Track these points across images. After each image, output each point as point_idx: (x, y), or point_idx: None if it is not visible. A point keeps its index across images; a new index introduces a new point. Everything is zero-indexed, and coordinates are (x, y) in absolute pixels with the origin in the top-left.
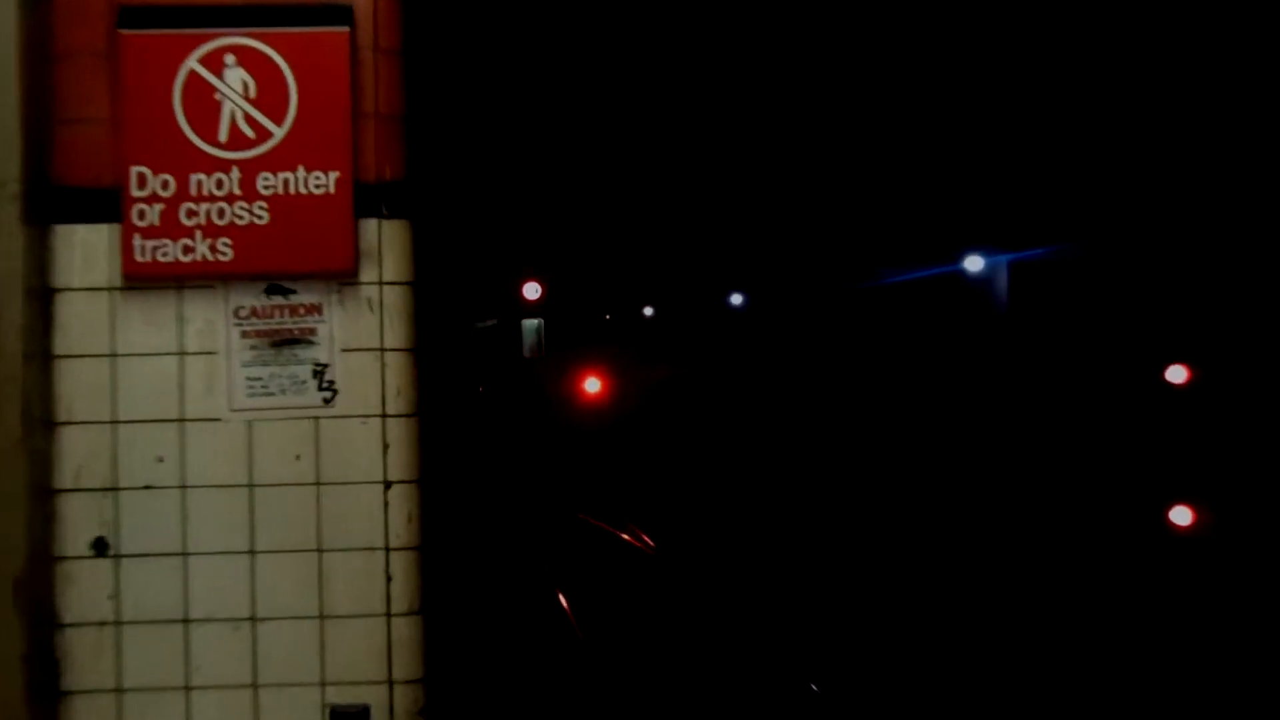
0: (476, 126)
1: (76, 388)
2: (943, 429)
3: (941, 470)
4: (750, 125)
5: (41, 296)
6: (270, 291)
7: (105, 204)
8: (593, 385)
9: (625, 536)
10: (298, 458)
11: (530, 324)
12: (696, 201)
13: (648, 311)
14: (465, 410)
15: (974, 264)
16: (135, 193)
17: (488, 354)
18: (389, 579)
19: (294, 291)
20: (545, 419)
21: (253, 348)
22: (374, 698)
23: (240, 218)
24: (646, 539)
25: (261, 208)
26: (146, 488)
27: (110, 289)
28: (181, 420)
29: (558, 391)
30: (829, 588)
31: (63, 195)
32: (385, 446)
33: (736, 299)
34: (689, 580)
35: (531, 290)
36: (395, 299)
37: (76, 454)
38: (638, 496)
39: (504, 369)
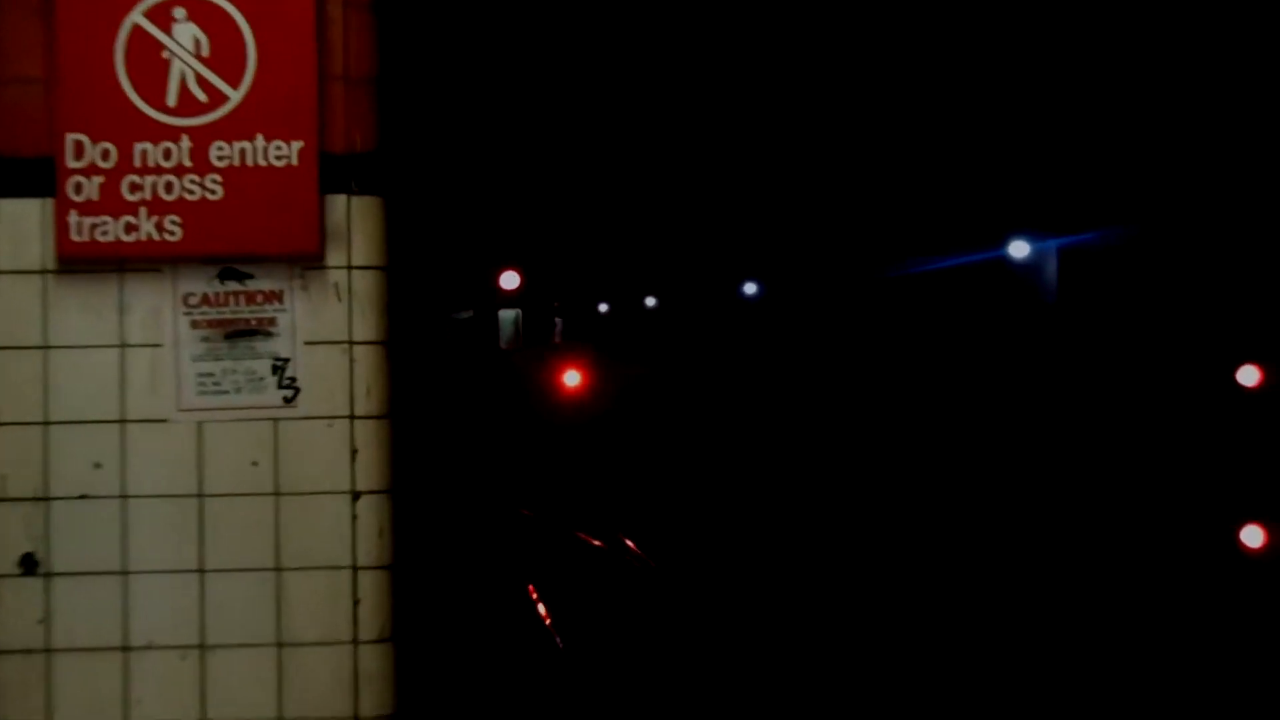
0: (457, 95)
1: (3, 384)
2: (982, 434)
3: (981, 479)
4: (757, 93)
5: None
6: (224, 276)
7: (37, 175)
8: (573, 379)
9: (621, 548)
10: (254, 464)
11: (508, 315)
12: (697, 181)
13: (648, 302)
14: (442, 411)
15: (1019, 249)
16: (71, 163)
17: (464, 348)
18: (357, 601)
19: (251, 276)
20: (525, 418)
21: (204, 340)
22: None
23: (191, 192)
24: (638, 551)
25: (215, 181)
26: (82, 497)
27: (42, 272)
28: (122, 421)
29: (538, 387)
30: (849, 609)
31: None
32: (353, 452)
33: (747, 288)
34: (692, 605)
35: (509, 279)
36: (365, 285)
37: (2, 459)
38: (628, 503)
39: (480, 363)
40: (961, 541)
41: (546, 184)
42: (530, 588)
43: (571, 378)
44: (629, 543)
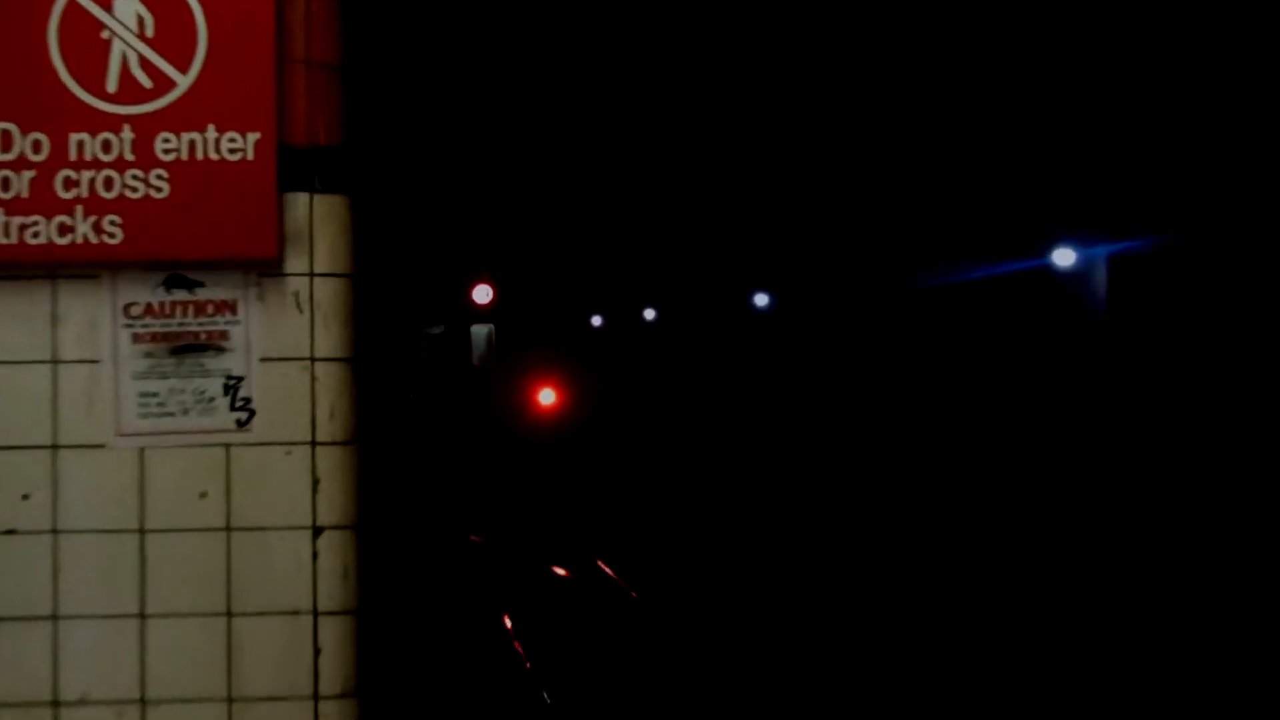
0: (429, 84)
1: None
2: (1023, 455)
3: (1020, 504)
4: (762, 94)
5: None
6: (170, 284)
7: None
8: (548, 397)
9: (603, 581)
10: (203, 496)
11: (480, 330)
12: (692, 188)
13: (647, 315)
14: (413, 435)
15: (1064, 257)
16: None
17: (436, 365)
18: (318, 651)
19: (201, 284)
20: (498, 438)
21: (147, 355)
22: None
23: (133, 189)
24: (621, 582)
25: (160, 177)
26: (8, 533)
27: None
28: (54, 447)
29: (511, 405)
30: (869, 642)
31: None
32: (315, 482)
33: (757, 300)
34: (685, 645)
35: (482, 294)
36: (330, 295)
37: None
38: (608, 527)
39: (451, 381)
40: (999, 568)
41: (524, 193)
42: (509, 626)
43: (547, 396)
44: (609, 570)
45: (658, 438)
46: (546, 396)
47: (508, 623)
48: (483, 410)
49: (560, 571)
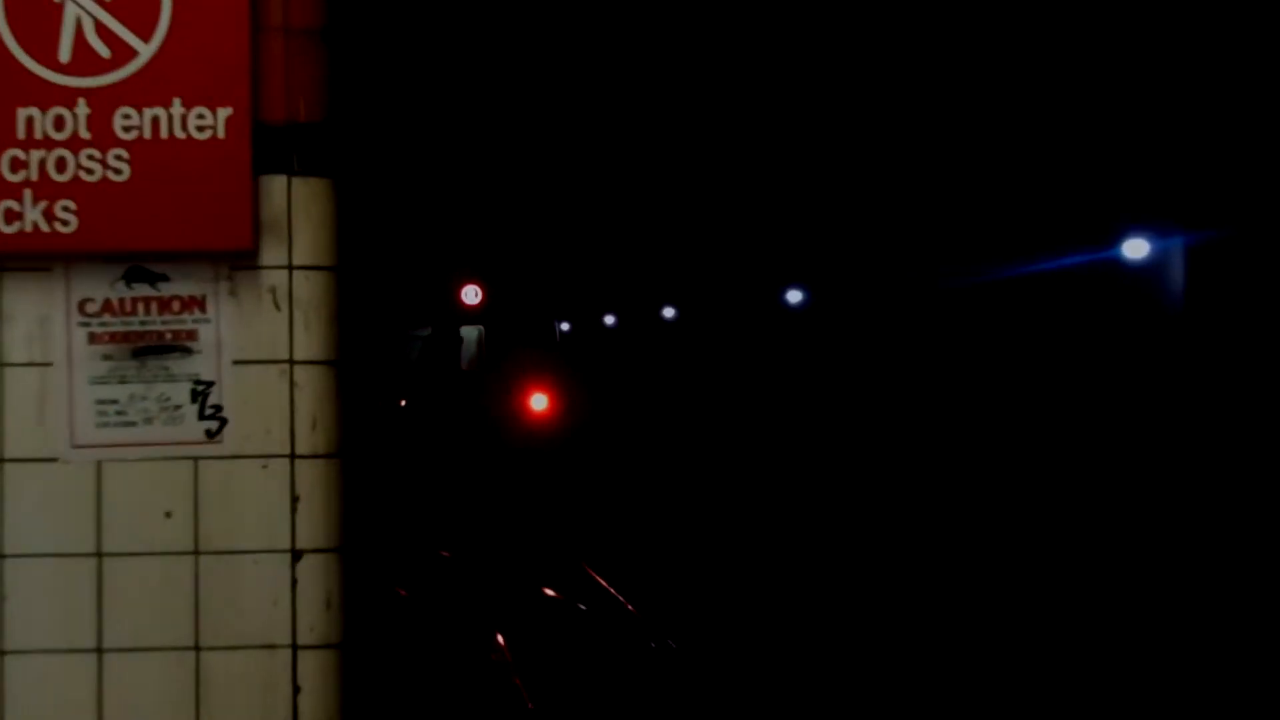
0: (419, 60)
1: None
2: (1087, 465)
3: (1079, 521)
4: (776, 69)
5: None
6: (131, 278)
7: None
8: (540, 402)
9: (607, 605)
10: (168, 515)
11: (470, 332)
12: (698, 181)
13: (667, 313)
14: (406, 446)
15: (1136, 249)
16: None
17: (423, 368)
18: (296, 690)
19: (165, 278)
20: (490, 447)
21: (105, 357)
22: None
23: (89, 171)
24: (630, 607)
25: (120, 158)
26: None
27: None
28: (0, 460)
29: (503, 410)
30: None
31: None
32: (294, 500)
33: (790, 296)
34: (708, 690)
35: (471, 294)
36: (311, 290)
37: None
38: (613, 544)
39: (437, 385)
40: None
41: (518, 187)
42: (509, 659)
43: (539, 401)
44: (622, 599)
45: (670, 442)
46: (539, 401)
47: (508, 655)
48: (473, 417)
49: (564, 596)
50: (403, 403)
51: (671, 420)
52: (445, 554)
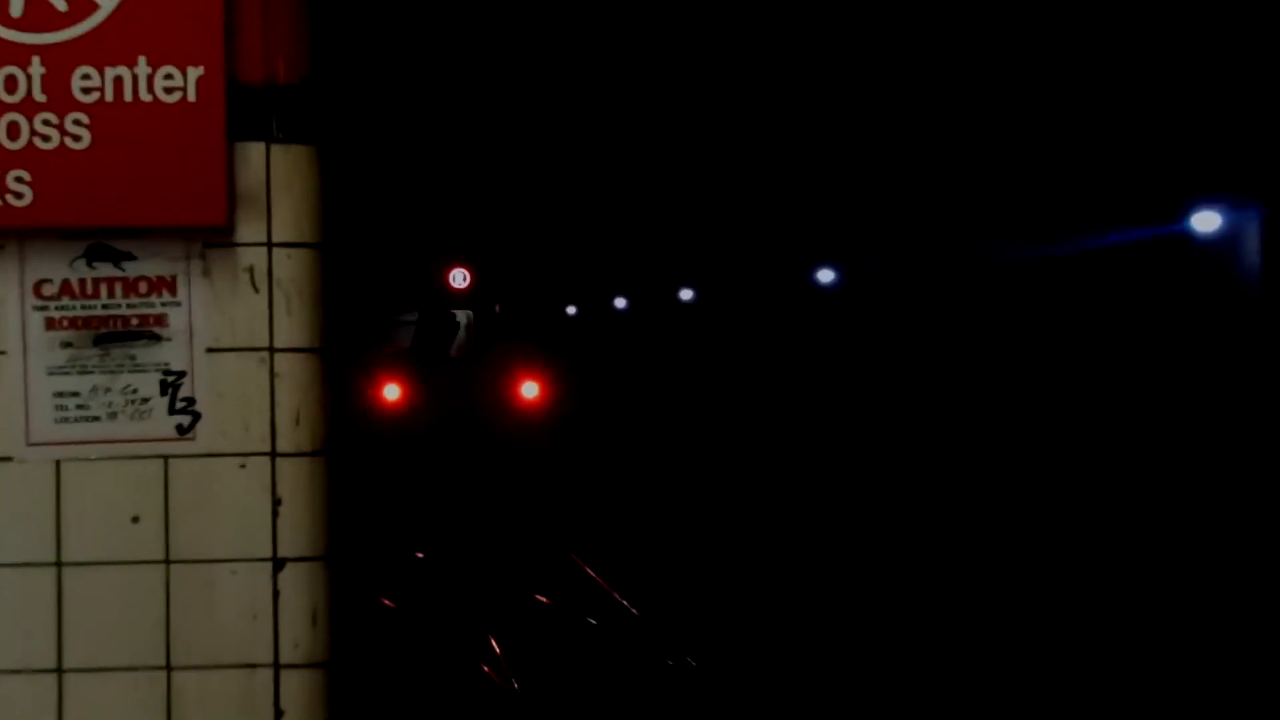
0: (409, 22)
1: None
2: (1149, 458)
3: (1152, 512)
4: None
5: None
6: (93, 256)
7: None
8: (530, 390)
9: (613, 612)
10: (135, 520)
11: (458, 317)
12: (699, 163)
13: (686, 296)
14: (387, 438)
15: (1206, 221)
16: None
17: (409, 356)
18: (279, 714)
19: (131, 256)
20: (480, 437)
21: (65, 345)
22: None
23: (45, 138)
24: (633, 610)
25: (79, 123)
26: None
27: None
28: None
29: (494, 400)
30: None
31: None
32: (276, 503)
33: (821, 275)
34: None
35: (459, 277)
36: (293, 270)
37: None
38: (614, 545)
39: (425, 374)
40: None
41: (511, 165)
42: (515, 686)
43: (530, 389)
44: (627, 604)
45: (675, 433)
46: (530, 390)
47: (510, 677)
48: (462, 406)
49: (568, 608)
50: (387, 392)
51: (674, 406)
52: (436, 560)
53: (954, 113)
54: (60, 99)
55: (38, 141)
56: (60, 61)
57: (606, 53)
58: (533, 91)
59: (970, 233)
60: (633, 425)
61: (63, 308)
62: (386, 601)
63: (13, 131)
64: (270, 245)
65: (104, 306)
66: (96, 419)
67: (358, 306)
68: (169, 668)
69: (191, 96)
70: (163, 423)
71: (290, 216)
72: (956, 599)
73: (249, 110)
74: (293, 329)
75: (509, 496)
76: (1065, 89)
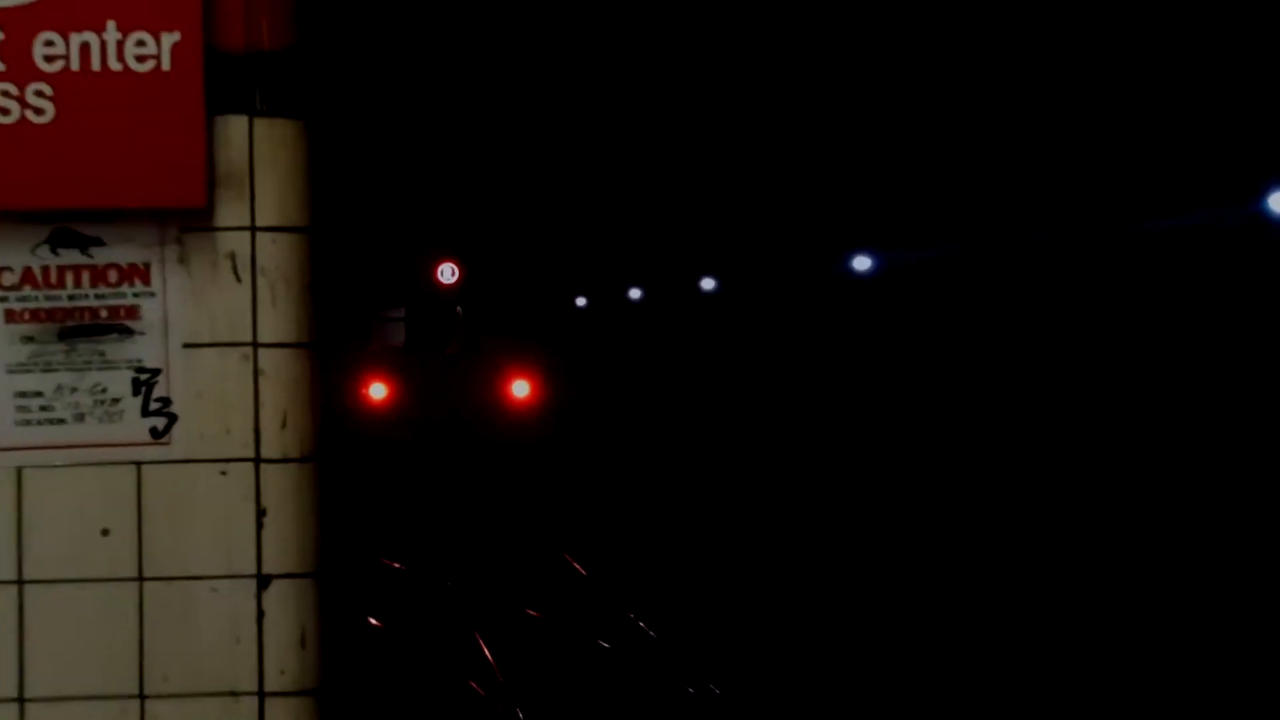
0: None
1: None
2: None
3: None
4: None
5: None
6: (58, 242)
7: None
8: (522, 388)
9: (619, 624)
10: (105, 533)
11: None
12: (700, 152)
13: (707, 285)
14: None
15: None
16: None
17: (394, 351)
18: None
19: (100, 242)
20: (470, 436)
21: (27, 340)
22: None
23: (4, 112)
24: (644, 626)
25: (41, 94)
26: None
27: None
28: None
29: (485, 399)
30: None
31: None
32: (260, 514)
33: (859, 263)
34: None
35: (447, 272)
36: (279, 257)
37: None
38: (610, 551)
39: (410, 371)
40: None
41: (500, 157)
42: (520, 717)
43: (520, 387)
44: (641, 623)
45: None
46: (521, 388)
47: (519, 713)
48: (453, 403)
49: (578, 630)
50: (375, 390)
51: (678, 404)
52: (427, 576)
53: (1002, 89)
54: (20, 68)
55: None
56: (20, 26)
57: (615, 30)
58: (533, 72)
59: (1021, 216)
60: (633, 422)
61: (24, 299)
62: (375, 622)
63: None
64: (253, 229)
65: (70, 298)
66: (62, 421)
67: (343, 299)
68: (142, 696)
69: (166, 65)
70: (135, 425)
71: (275, 198)
72: (998, 610)
73: (230, 80)
74: (278, 322)
75: (506, 498)
76: (1136, 66)
